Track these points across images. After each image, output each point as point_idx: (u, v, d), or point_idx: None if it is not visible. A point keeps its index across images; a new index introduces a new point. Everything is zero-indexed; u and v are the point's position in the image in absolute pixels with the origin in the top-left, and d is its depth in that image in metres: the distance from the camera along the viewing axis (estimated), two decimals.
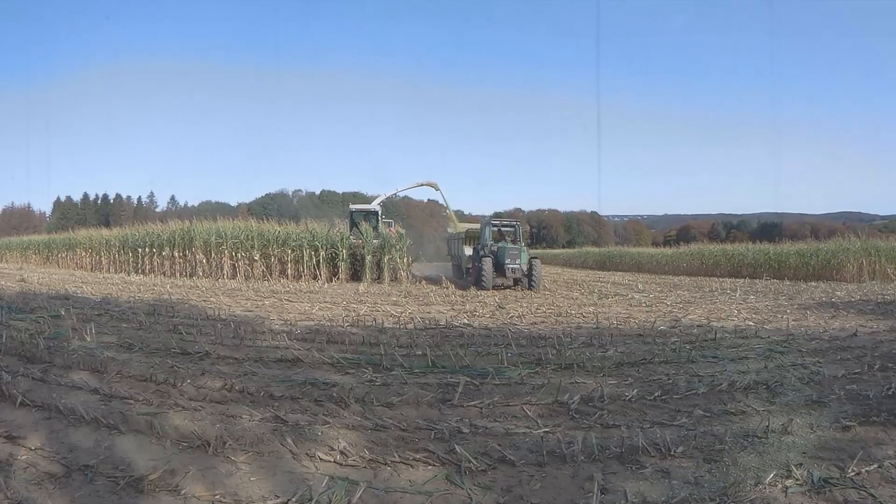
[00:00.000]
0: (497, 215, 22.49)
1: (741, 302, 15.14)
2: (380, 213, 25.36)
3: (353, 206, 26.14)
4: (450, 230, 28.68)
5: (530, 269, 18.57)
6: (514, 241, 19.55)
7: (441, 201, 30.41)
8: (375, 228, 23.89)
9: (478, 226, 23.32)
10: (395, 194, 29.98)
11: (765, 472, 3.68)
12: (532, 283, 18.49)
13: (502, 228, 20.67)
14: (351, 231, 24.21)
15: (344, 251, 23.18)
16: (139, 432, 4.34)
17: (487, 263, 18.34)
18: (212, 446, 4.02)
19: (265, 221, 25.90)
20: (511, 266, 18.35)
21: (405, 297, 15.22)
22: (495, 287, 18.71)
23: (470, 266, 21.21)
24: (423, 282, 21.97)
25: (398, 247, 23.04)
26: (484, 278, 18.14)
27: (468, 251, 22.41)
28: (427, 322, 10.24)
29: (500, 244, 19.31)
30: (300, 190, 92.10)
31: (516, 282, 19.25)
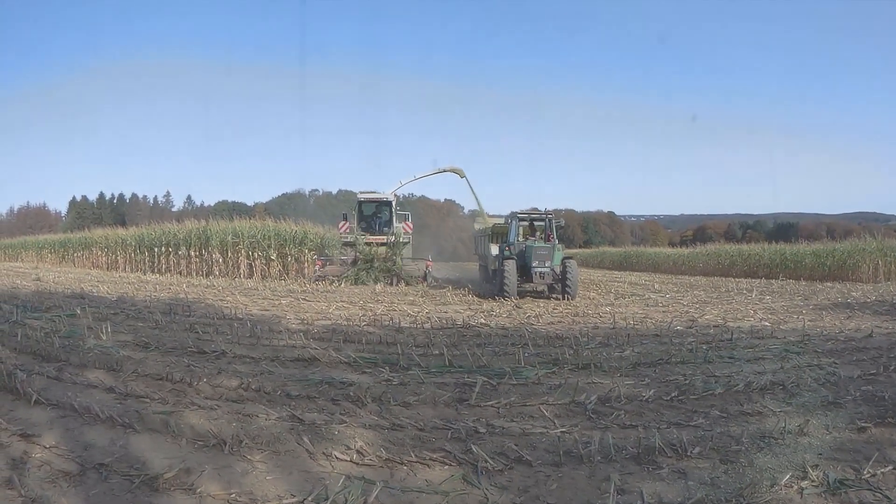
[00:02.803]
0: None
1: (757, 302, 14.98)
2: (394, 204, 21.80)
3: (363, 195, 21.88)
4: (477, 226, 24.82)
5: (564, 272, 15.13)
6: (546, 239, 16.02)
7: (468, 191, 26.83)
8: (388, 223, 21.16)
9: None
10: (411, 183, 25.25)
11: (781, 474, 3.65)
12: (567, 289, 15.02)
13: (533, 223, 17.12)
14: (359, 225, 21.15)
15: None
16: (155, 431, 4.33)
17: (510, 267, 14.97)
18: (228, 445, 4.00)
19: (282, 221, 25.90)
20: (539, 269, 15.12)
21: (422, 297, 15.16)
22: (522, 294, 15.95)
23: (496, 268, 17.44)
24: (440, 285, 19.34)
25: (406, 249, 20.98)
26: (506, 285, 14.80)
27: (494, 250, 18.75)
28: (444, 322, 10.21)
29: (527, 242, 15.93)
30: (317, 190, 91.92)
31: (550, 288, 16.17)
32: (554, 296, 15.84)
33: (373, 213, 21.70)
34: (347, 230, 21.42)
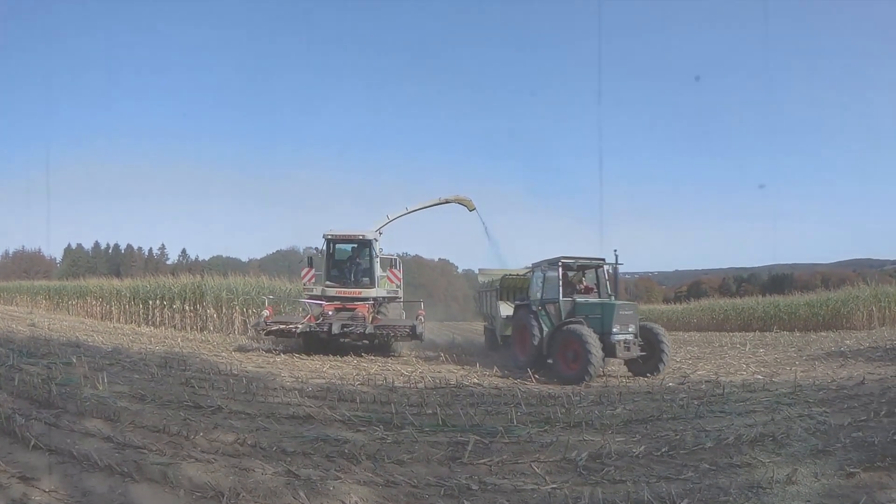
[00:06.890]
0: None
1: (751, 356, 15.15)
2: (374, 244, 16.23)
3: (332, 233, 16.25)
4: (482, 279, 20.04)
5: (656, 339, 11.34)
6: (593, 293, 12.52)
7: (479, 227, 20.11)
8: (368, 271, 16.10)
9: (524, 272, 15.73)
10: (404, 217, 18.45)
11: None
12: (663, 360, 11.28)
13: (580, 271, 12.91)
14: (328, 273, 16.09)
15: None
16: (153, 481, 4.42)
17: (591, 337, 10.56)
18: (225, 497, 4.09)
19: (276, 278, 25.86)
20: (623, 337, 11.03)
21: (416, 357, 15.10)
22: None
23: (510, 334, 13.78)
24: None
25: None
26: (591, 364, 10.35)
27: (504, 310, 15.36)
28: (437, 381, 10.21)
29: (580, 299, 11.97)
30: (311, 247, 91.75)
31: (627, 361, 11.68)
32: (631, 371, 11.78)
33: (347, 258, 16.59)
34: (312, 280, 16.49)
